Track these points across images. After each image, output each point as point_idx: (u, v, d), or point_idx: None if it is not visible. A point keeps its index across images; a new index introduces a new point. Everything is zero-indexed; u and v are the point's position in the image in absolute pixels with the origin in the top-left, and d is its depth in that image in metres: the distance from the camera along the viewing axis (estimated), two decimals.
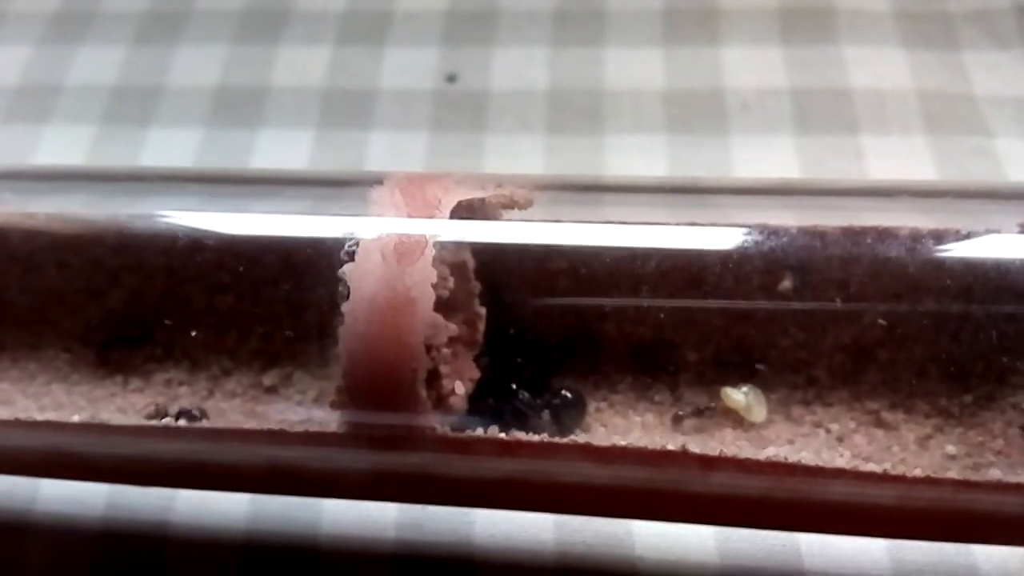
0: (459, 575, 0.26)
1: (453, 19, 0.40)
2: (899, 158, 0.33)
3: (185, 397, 0.25)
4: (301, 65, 0.39)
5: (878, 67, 0.35)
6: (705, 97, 0.35)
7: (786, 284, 0.22)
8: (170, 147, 0.37)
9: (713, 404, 0.22)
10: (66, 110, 0.39)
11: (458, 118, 0.36)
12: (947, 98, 0.34)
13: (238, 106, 0.38)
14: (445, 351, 0.19)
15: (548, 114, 0.36)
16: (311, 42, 0.40)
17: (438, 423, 0.19)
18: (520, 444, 0.18)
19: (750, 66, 0.36)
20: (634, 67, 0.37)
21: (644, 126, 0.35)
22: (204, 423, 0.22)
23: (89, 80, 0.40)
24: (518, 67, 0.38)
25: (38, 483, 0.29)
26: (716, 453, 0.18)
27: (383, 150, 0.36)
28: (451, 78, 0.38)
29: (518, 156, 0.35)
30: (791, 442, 0.22)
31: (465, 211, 0.20)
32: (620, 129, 0.35)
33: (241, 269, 0.24)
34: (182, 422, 0.22)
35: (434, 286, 0.19)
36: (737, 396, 0.22)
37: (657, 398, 0.23)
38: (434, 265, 0.19)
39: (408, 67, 0.38)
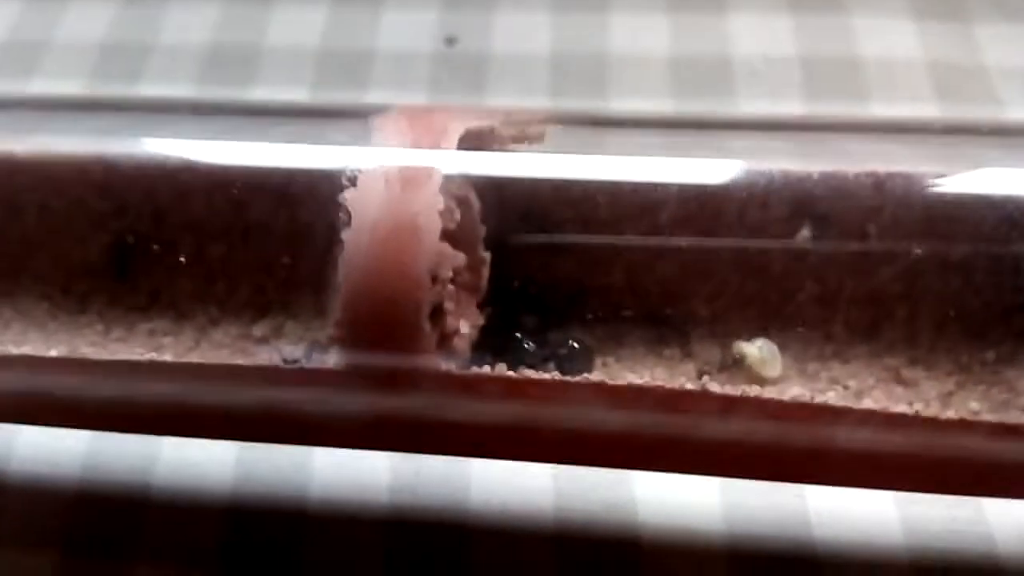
0: (453, 541, 0.25)
1: None
2: None
3: (169, 348, 0.23)
4: (296, 25, 0.38)
5: (888, 37, 0.34)
6: (712, 64, 0.34)
7: (804, 234, 0.21)
8: None
9: (735, 358, 0.21)
10: (53, 67, 0.37)
11: (457, 82, 0.35)
12: (958, 69, 0.33)
13: (230, 66, 0.37)
14: (450, 287, 0.18)
15: (550, 80, 0.35)
16: (307, 1, 0.38)
17: (442, 361, 0.18)
18: (530, 382, 0.17)
19: (758, 33, 0.35)
20: (639, 33, 0.36)
21: (649, 93, 0.34)
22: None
23: (78, 37, 0.38)
24: (520, 31, 0.36)
25: (12, 440, 0.27)
26: (738, 393, 0.17)
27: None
28: (450, 41, 0.37)
29: None
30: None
31: (474, 140, 0.19)
32: (624, 96, 0.34)
33: (234, 207, 0.23)
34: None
35: (441, 214, 0.18)
36: (751, 350, 0.21)
37: (667, 352, 0.22)
38: (441, 193, 0.18)
39: (406, 28, 0.37)
